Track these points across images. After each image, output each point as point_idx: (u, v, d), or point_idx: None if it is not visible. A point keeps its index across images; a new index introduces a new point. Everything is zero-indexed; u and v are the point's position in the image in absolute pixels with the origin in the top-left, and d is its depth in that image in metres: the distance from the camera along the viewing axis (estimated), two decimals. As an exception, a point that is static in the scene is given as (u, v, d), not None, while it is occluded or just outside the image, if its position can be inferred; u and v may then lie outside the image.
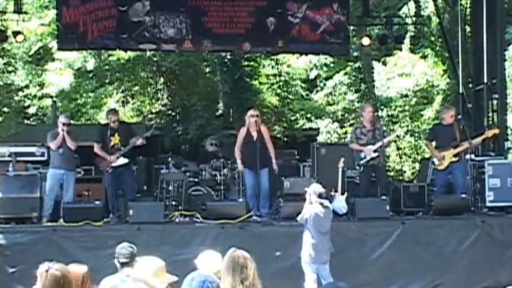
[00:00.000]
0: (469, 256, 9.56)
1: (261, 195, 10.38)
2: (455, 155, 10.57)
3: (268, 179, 10.54)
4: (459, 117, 11.48)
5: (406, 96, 20.63)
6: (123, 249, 5.63)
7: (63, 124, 10.55)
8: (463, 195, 10.29)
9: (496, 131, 11.35)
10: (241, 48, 13.94)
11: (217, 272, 4.45)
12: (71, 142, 10.50)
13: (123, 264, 5.58)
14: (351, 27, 14.71)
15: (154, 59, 19.35)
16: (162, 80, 21.04)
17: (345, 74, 20.94)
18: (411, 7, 15.92)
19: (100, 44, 13.54)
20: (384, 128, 11.66)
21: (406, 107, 20.79)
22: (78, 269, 4.62)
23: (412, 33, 17.61)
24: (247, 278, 4.10)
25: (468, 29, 14.76)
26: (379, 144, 10.54)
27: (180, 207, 10.94)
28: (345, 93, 20.98)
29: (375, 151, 10.53)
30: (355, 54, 19.27)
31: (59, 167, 10.48)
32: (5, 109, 19.72)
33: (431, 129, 12.15)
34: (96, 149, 10.70)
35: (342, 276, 7.99)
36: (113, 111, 11.27)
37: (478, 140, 10.92)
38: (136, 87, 21.19)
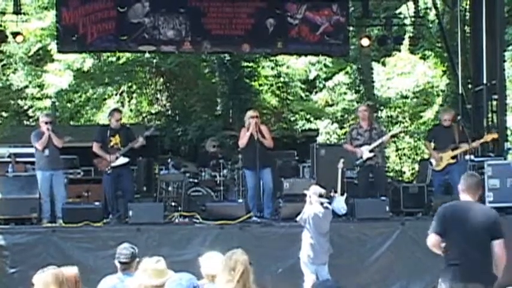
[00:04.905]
0: (469, 257, 9.53)
1: (265, 196, 10.30)
2: (453, 157, 10.57)
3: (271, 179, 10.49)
4: (458, 118, 11.44)
5: (406, 97, 20.63)
6: (124, 250, 5.63)
7: (47, 123, 10.20)
8: (463, 196, 10.26)
9: (495, 135, 11.27)
10: (240, 49, 13.95)
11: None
12: (57, 140, 10.18)
13: (123, 265, 5.58)
14: (350, 28, 14.72)
15: (154, 60, 19.36)
16: (161, 80, 21.05)
17: (345, 74, 20.95)
18: (410, 7, 15.91)
19: (99, 46, 13.55)
20: (382, 128, 11.62)
21: (406, 108, 20.79)
22: (69, 271, 4.60)
23: (411, 34, 17.61)
24: (244, 281, 4.11)
25: (468, 29, 14.74)
26: (375, 144, 10.53)
27: (179, 208, 10.94)
28: (345, 94, 20.99)
29: (371, 151, 10.51)
30: (355, 55, 19.26)
31: (46, 169, 10.14)
32: (4, 111, 19.76)
33: (430, 129, 12.18)
34: (96, 148, 10.52)
35: (341, 277, 8.00)
36: (117, 110, 11.26)
37: (477, 143, 10.91)
38: (136, 88, 21.20)
